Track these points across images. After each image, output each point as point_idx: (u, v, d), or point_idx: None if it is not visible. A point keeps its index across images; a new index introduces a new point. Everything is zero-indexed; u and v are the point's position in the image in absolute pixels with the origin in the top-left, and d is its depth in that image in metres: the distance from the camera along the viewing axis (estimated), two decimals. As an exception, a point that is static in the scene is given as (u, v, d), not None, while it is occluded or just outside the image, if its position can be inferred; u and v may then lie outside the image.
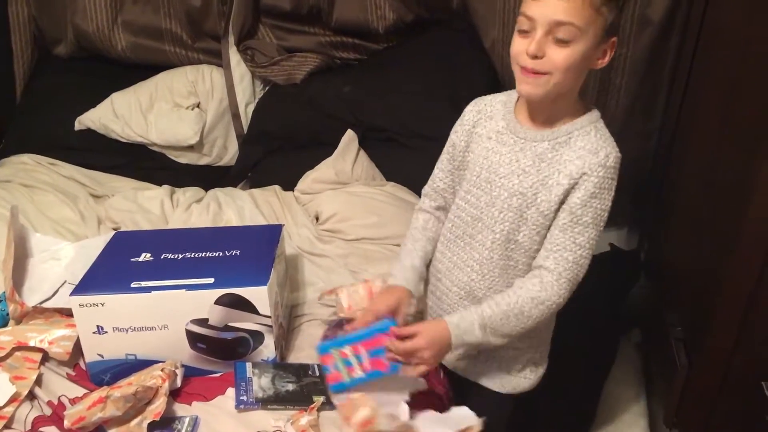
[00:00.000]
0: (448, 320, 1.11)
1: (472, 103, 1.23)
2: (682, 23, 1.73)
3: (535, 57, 1.01)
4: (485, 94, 1.23)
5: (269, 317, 1.26)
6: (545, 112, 1.11)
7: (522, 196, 1.12)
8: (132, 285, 1.24)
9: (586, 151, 1.07)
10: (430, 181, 1.30)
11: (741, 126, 1.32)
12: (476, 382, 1.31)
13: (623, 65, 1.82)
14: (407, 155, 1.96)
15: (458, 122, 1.23)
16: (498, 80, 1.99)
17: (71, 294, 1.24)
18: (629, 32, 1.77)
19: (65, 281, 1.48)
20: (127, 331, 1.25)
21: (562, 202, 1.09)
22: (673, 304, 1.64)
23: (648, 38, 1.76)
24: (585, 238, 1.09)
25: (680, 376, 1.44)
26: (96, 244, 1.48)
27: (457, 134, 1.22)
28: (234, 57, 2.16)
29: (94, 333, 1.25)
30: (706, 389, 1.39)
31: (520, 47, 1.03)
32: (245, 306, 1.25)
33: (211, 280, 1.25)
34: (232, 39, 2.14)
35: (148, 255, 1.35)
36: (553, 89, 1.04)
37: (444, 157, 1.26)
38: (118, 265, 1.33)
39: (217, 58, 2.19)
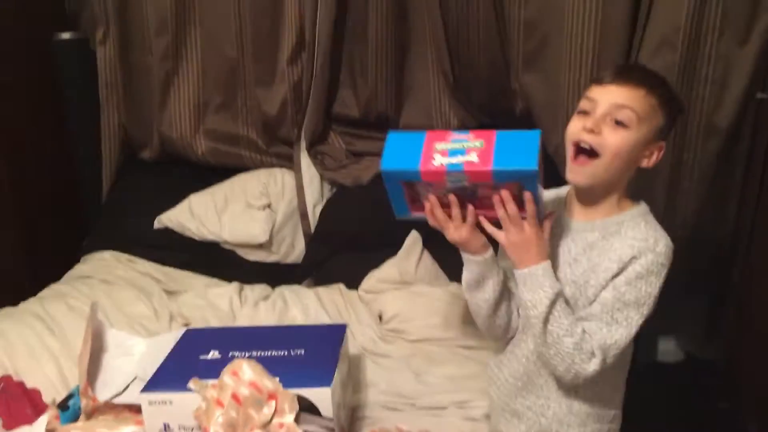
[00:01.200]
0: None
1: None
2: (751, 131, 1.72)
3: (591, 132, 1.06)
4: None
5: (332, 420, 1.25)
6: (594, 203, 1.14)
7: (574, 284, 1.13)
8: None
9: (637, 240, 1.09)
10: None
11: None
12: None
13: (691, 170, 1.80)
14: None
15: None
16: (562, 182, 2.00)
17: (141, 391, 1.28)
18: (696, 139, 1.76)
19: (136, 377, 1.52)
20: (192, 429, 1.26)
21: (608, 281, 1.10)
22: (756, 420, 1.54)
23: (715, 145, 1.75)
24: (623, 316, 1.08)
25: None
26: (167, 341, 1.52)
27: None
28: (305, 160, 2.26)
29: (160, 431, 1.27)
30: None
31: (577, 125, 1.09)
32: (309, 407, 1.25)
33: (277, 379, 1.26)
34: (303, 144, 2.25)
35: (216, 353, 1.38)
36: (600, 175, 1.08)
37: None
38: (187, 363, 1.36)
39: (289, 162, 2.30)
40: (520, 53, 1.92)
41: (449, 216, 1.14)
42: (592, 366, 1.08)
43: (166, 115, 2.32)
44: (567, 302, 1.10)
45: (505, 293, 1.23)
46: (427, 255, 2.04)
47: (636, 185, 1.65)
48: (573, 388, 1.18)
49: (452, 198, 1.11)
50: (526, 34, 1.89)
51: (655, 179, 1.81)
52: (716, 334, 1.99)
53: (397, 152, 1.12)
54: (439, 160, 1.07)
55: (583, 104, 1.10)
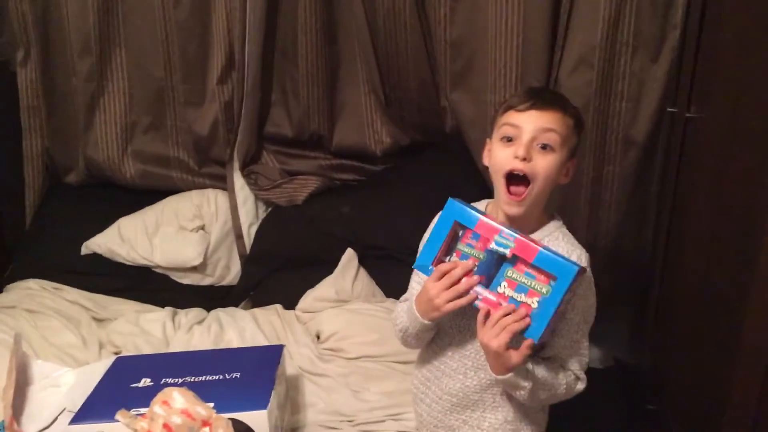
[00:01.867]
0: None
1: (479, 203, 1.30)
2: (665, 143, 1.82)
3: (524, 160, 1.09)
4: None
5: (269, 443, 1.24)
6: (518, 224, 1.16)
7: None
8: (131, 413, 1.23)
9: None
10: None
11: (730, 241, 1.36)
12: None
13: (611, 182, 1.89)
14: (406, 272, 1.98)
15: None
16: (492, 197, 2.05)
17: (69, 422, 1.24)
18: (614, 152, 1.85)
19: (64, 409, 1.46)
20: (124, 460, 1.23)
21: None
22: (680, 421, 1.61)
23: (633, 157, 1.84)
24: (581, 334, 1.17)
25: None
26: (97, 370, 1.48)
27: None
28: (238, 181, 2.24)
29: (91, 463, 1.23)
30: None
31: (504, 155, 1.12)
32: (245, 431, 1.23)
33: (211, 405, 1.24)
34: (236, 164, 2.23)
35: (148, 380, 1.35)
36: (533, 200, 1.12)
37: None
38: (118, 392, 1.32)
39: (222, 183, 2.27)
40: (447, 72, 1.97)
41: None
42: (581, 386, 1.18)
43: (92, 138, 2.26)
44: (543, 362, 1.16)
45: (438, 332, 1.27)
46: (363, 272, 2.05)
47: (561, 199, 1.72)
48: (507, 398, 1.21)
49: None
50: (452, 54, 1.95)
51: (578, 193, 1.89)
52: (640, 339, 2.08)
53: (461, 204, 1.15)
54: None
55: (506, 131, 1.12)
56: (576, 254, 1.15)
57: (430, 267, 1.14)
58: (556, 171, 1.11)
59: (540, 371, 1.13)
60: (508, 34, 1.81)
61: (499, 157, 1.13)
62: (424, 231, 1.94)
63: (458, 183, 2.09)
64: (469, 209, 1.13)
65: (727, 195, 1.38)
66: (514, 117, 1.12)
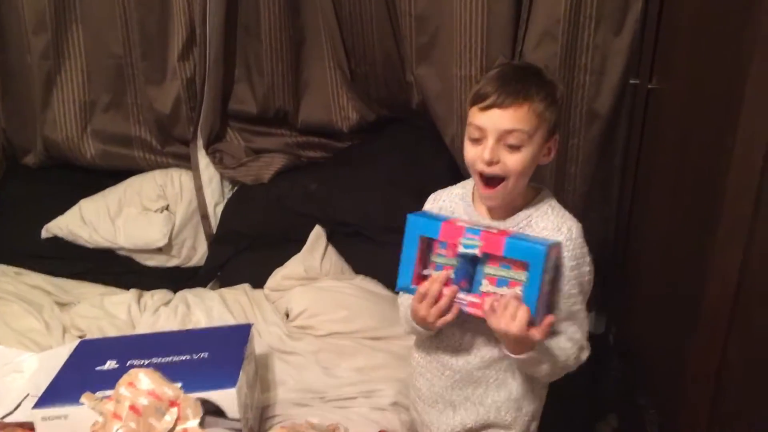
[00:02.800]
0: None
1: (431, 197, 1.27)
2: (628, 116, 1.83)
3: (490, 163, 1.07)
4: (448, 185, 1.28)
5: (238, 420, 1.24)
6: (502, 207, 1.16)
7: None
8: (97, 395, 1.21)
9: (549, 231, 1.12)
10: None
11: (690, 210, 1.38)
12: None
13: (576, 155, 1.90)
14: (375, 248, 1.99)
15: None
16: (460, 172, 2.06)
17: (33, 407, 1.21)
18: (579, 125, 1.86)
19: (28, 394, 1.44)
20: (90, 443, 1.21)
21: None
22: (645, 386, 1.65)
23: (597, 130, 1.85)
24: (579, 307, 1.17)
25: (657, 460, 1.42)
26: (60, 354, 1.46)
27: None
28: (203, 160, 2.21)
29: (56, 447, 1.21)
30: (683, 472, 1.38)
31: (474, 154, 1.10)
32: (214, 410, 1.23)
33: (179, 385, 1.23)
34: (200, 143, 2.19)
35: (114, 363, 1.33)
36: (511, 193, 1.11)
37: None
38: (83, 375, 1.30)
39: (186, 162, 2.23)
40: (413, 47, 1.95)
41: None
42: (585, 355, 1.19)
43: (50, 117, 2.20)
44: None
45: None
46: (331, 249, 2.04)
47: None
48: (511, 375, 1.20)
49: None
50: (417, 28, 1.92)
51: (544, 166, 1.89)
52: (605, 309, 2.11)
53: (421, 217, 1.14)
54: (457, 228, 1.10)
55: (472, 132, 1.10)
56: (566, 227, 1.12)
57: (412, 286, 1.13)
58: (529, 164, 1.08)
59: (553, 343, 1.13)
60: (473, 7, 1.80)
61: (469, 156, 1.11)
62: (392, 207, 1.96)
63: (425, 158, 2.09)
64: (429, 219, 1.12)
65: (689, 164, 1.40)
66: (477, 117, 1.08)
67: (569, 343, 1.16)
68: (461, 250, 1.08)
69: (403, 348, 1.69)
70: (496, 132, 1.06)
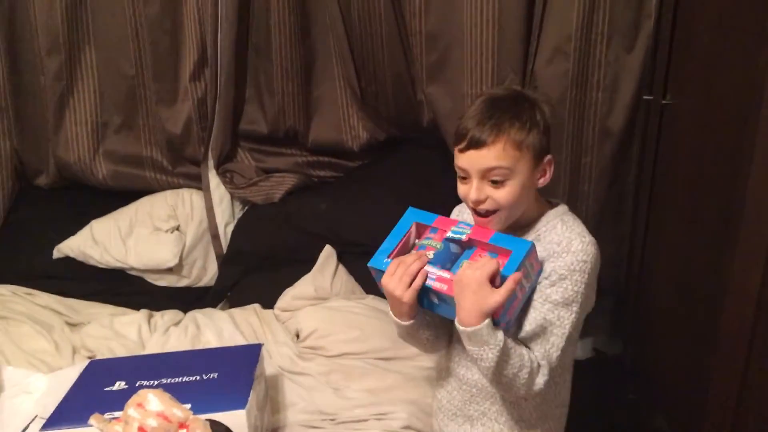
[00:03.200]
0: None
1: (455, 209, 1.28)
2: (642, 132, 1.82)
3: (478, 202, 1.08)
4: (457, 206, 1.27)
5: (248, 443, 1.22)
6: (511, 224, 1.14)
7: None
8: (105, 417, 1.20)
9: (553, 243, 1.10)
10: None
11: (708, 227, 1.36)
12: None
13: (589, 174, 1.88)
14: (386, 268, 1.97)
15: None
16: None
17: (41, 428, 1.20)
18: (592, 143, 1.85)
19: (36, 416, 1.42)
20: (98, 466, 1.19)
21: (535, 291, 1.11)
22: (662, 408, 1.61)
23: (610, 147, 1.84)
24: (555, 316, 1.08)
25: (678, 484, 1.39)
26: (69, 375, 1.44)
27: None
28: (213, 180, 2.21)
29: (64, 470, 1.19)
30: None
31: (463, 192, 1.10)
32: (223, 432, 1.21)
33: (188, 407, 1.21)
34: (211, 163, 2.20)
35: (123, 383, 1.32)
36: (507, 220, 1.10)
37: None
38: (91, 396, 1.29)
39: (197, 182, 2.24)
40: (423, 65, 1.95)
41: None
42: (542, 378, 1.09)
43: (62, 138, 2.21)
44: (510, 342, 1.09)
45: (440, 331, 1.22)
46: (342, 269, 2.03)
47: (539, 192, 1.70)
48: (523, 396, 1.16)
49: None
50: (428, 46, 1.93)
51: (557, 185, 1.88)
52: (620, 330, 2.08)
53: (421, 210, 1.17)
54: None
55: (459, 171, 1.10)
56: (576, 242, 1.08)
57: (385, 260, 1.11)
58: (518, 194, 1.07)
59: (509, 341, 1.06)
60: (484, 25, 1.80)
61: (460, 192, 1.11)
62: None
63: (436, 178, 2.07)
64: (428, 212, 1.15)
65: (706, 180, 1.38)
66: (458, 158, 1.09)
67: (529, 353, 1.08)
68: (449, 235, 1.10)
69: (415, 369, 1.67)
70: (477, 171, 1.07)
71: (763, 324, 1.19)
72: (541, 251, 1.10)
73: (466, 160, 1.07)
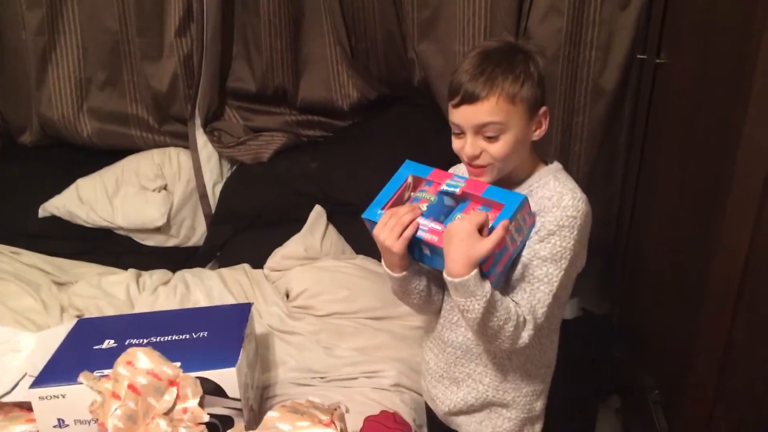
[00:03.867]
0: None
1: (452, 169, 1.26)
2: (634, 92, 1.80)
3: (473, 157, 1.07)
4: (449, 166, 1.26)
5: (239, 400, 1.22)
6: (503, 178, 1.14)
7: None
8: (95, 374, 1.20)
9: (544, 198, 1.10)
10: None
11: (698, 187, 1.36)
12: None
13: (581, 133, 1.87)
14: (376, 228, 1.97)
15: None
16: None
17: (30, 386, 1.20)
18: (584, 102, 1.83)
19: (26, 374, 1.42)
20: (89, 423, 1.20)
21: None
22: (648, 366, 1.64)
23: (602, 107, 1.82)
24: (543, 272, 1.08)
25: (661, 439, 1.42)
26: (58, 333, 1.43)
27: None
28: (201, 138, 2.18)
29: (55, 427, 1.20)
30: (687, 452, 1.37)
31: (458, 147, 1.10)
32: (214, 390, 1.21)
33: (178, 365, 1.21)
34: (198, 121, 2.16)
35: (112, 342, 1.31)
36: (501, 172, 1.10)
37: None
38: (81, 354, 1.28)
39: (184, 141, 2.21)
40: (414, 22, 1.91)
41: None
42: (527, 333, 1.08)
43: (45, 95, 2.17)
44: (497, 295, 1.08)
45: (433, 287, 1.21)
46: (332, 229, 2.02)
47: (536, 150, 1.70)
48: (506, 356, 1.18)
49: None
50: (419, 2, 1.88)
51: (547, 144, 1.87)
52: (609, 290, 2.10)
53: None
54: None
55: (453, 127, 1.10)
56: (567, 198, 1.08)
57: (379, 211, 1.11)
58: (513, 148, 1.07)
59: (497, 293, 1.06)
60: (476, -20, 1.76)
61: (454, 147, 1.11)
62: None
63: (427, 137, 2.06)
64: (424, 165, 1.14)
65: (697, 140, 1.38)
66: (452, 114, 1.08)
67: (513, 310, 1.07)
68: (444, 187, 1.10)
69: (404, 328, 1.68)
70: (471, 127, 1.06)
71: (749, 283, 1.20)
72: (533, 206, 1.10)
73: (460, 115, 1.06)
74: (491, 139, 1.06)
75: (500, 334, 1.07)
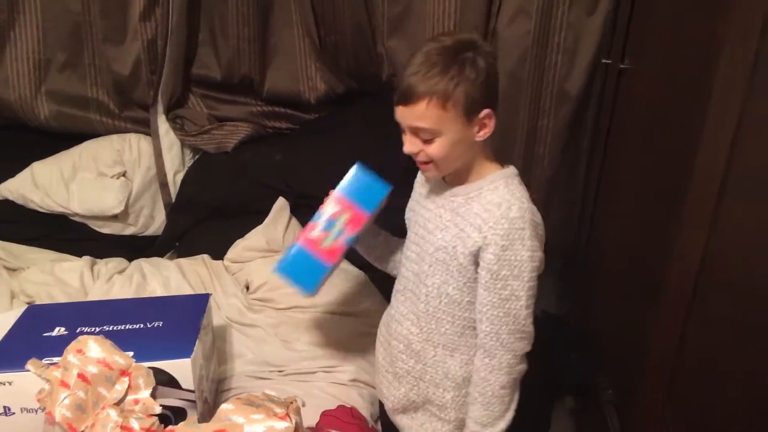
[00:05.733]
0: None
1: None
2: (598, 96, 1.83)
3: (412, 154, 1.11)
4: (413, 161, 1.26)
5: (192, 392, 1.20)
6: (454, 175, 1.16)
7: (444, 249, 1.14)
8: (43, 362, 1.16)
9: (492, 204, 1.10)
10: None
11: (656, 192, 1.38)
12: None
13: (545, 136, 1.89)
14: (339, 223, 1.96)
15: None
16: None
17: (-25, 373, 1.16)
18: (549, 105, 1.85)
19: (-30, 360, 1.37)
20: (36, 411, 1.16)
21: (476, 256, 1.11)
22: (602, 367, 1.66)
23: (567, 110, 1.84)
24: (509, 291, 1.09)
25: (613, 439, 1.44)
26: (6, 320, 1.40)
27: (412, 197, 1.31)
28: (163, 125, 2.13)
29: (0, 414, 1.16)
30: (638, 452, 1.40)
31: (403, 143, 1.12)
32: (167, 381, 1.19)
33: (130, 354, 1.18)
34: (161, 108, 2.11)
35: (63, 329, 1.28)
36: (445, 170, 1.13)
37: None
38: (29, 341, 1.25)
39: (145, 127, 2.16)
40: (385, 16, 1.90)
41: None
42: (516, 349, 1.14)
43: (2, 75, 2.08)
44: (474, 409, 1.17)
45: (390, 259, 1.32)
46: (295, 221, 2.00)
47: (495, 153, 1.71)
48: (449, 353, 1.19)
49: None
50: (390, -2, 1.88)
51: (512, 146, 1.89)
52: (568, 291, 2.13)
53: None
54: None
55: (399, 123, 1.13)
56: (507, 204, 1.08)
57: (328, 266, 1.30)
58: (450, 148, 1.08)
59: (472, 412, 1.17)
60: (448, -22, 1.76)
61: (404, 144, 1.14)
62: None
63: (393, 132, 2.04)
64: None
65: (658, 146, 1.40)
66: (395, 111, 1.10)
67: (490, 360, 1.13)
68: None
69: (364, 325, 1.67)
70: (408, 126, 1.09)
71: (703, 288, 1.22)
72: (479, 210, 1.11)
73: (399, 114, 1.09)
74: (426, 141, 1.08)
75: (507, 390, 1.17)
